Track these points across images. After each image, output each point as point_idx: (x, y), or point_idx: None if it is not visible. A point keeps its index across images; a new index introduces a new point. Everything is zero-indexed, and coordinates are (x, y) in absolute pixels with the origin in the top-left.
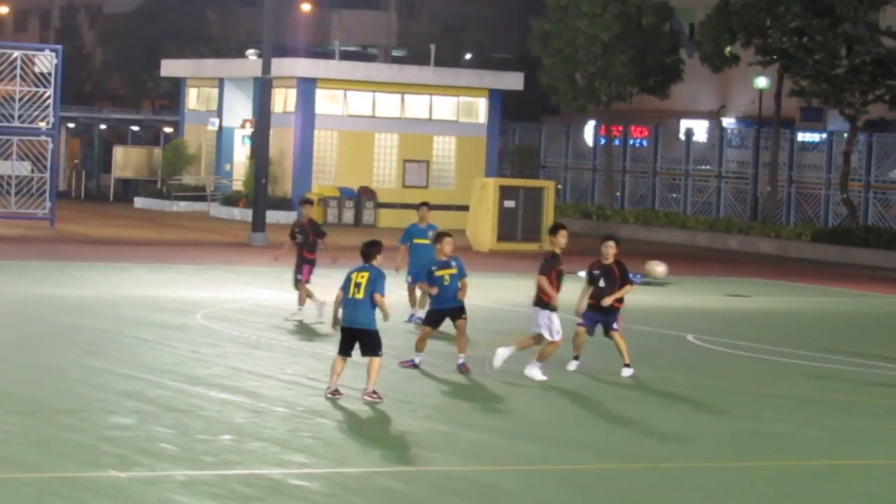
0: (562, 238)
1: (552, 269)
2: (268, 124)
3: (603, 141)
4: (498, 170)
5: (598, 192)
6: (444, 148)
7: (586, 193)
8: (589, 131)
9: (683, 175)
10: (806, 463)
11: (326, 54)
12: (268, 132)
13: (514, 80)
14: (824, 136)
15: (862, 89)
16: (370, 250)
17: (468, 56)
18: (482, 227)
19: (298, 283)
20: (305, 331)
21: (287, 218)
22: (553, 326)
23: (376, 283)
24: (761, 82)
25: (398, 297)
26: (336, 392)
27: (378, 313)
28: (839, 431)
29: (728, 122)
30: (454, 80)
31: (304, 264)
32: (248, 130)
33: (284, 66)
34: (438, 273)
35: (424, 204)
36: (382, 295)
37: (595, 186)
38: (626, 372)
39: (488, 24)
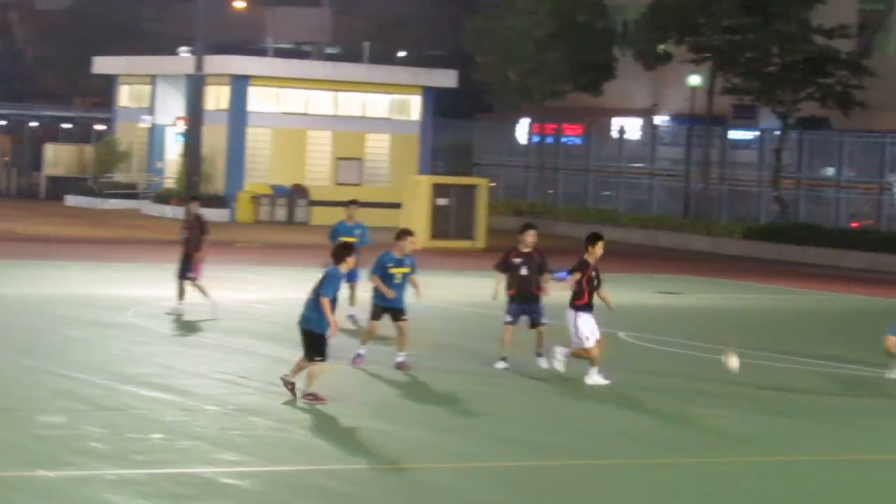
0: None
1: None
2: (200, 122)
3: (536, 138)
4: (431, 167)
5: (531, 189)
6: (377, 145)
7: (520, 191)
8: (522, 129)
9: (616, 172)
10: (732, 460)
11: (260, 52)
12: (200, 129)
13: (447, 78)
14: (756, 133)
15: (794, 87)
16: (338, 252)
17: (402, 53)
18: (415, 225)
19: (184, 279)
20: (237, 330)
21: (219, 216)
22: (579, 332)
23: (321, 284)
24: (694, 80)
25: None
26: (289, 386)
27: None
28: (767, 428)
29: (661, 119)
30: (388, 78)
31: (191, 261)
32: (181, 128)
33: (217, 64)
34: (392, 270)
35: (353, 202)
36: (324, 297)
37: (528, 184)
38: (542, 363)
39: (422, 22)
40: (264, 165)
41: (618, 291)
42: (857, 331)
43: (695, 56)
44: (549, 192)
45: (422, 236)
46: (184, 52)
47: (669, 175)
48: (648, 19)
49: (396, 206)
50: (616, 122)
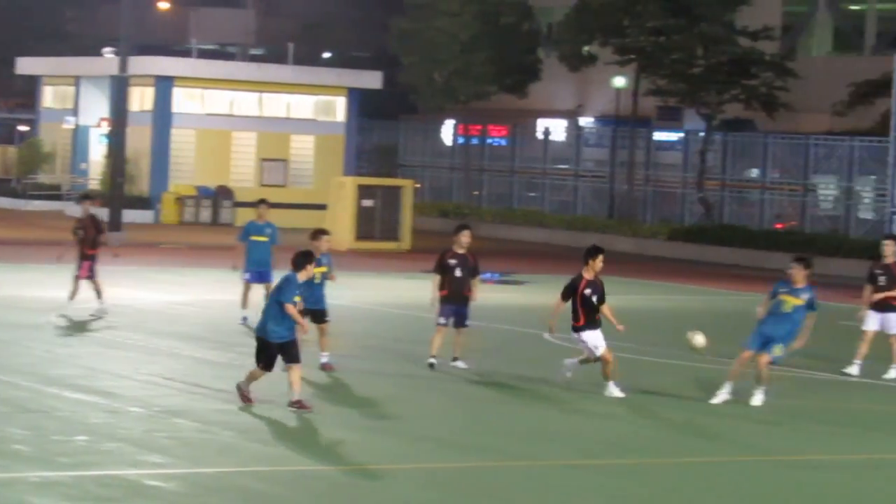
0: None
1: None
2: (125, 123)
3: (462, 140)
4: (356, 169)
5: (456, 190)
6: (302, 147)
7: (445, 192)
8: (448, 130)
9: (542, 174)
10: (653, 461)
11: (184, 53)
12: (124, 131)
13: (372, 79)
14: (681, 135)
15: (718, 89)
16: (298, 259)
17: (327, 55)
18: (340, 226)
19: (78, 279)
20: (162, 331)
21: (144, 217)
22: (587, 345)
23: (278, 291)
24: (619, 82)
25: (235, 297)
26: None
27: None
28: (683, 429)
29: (586, 121)
30: (313, 79)
31: (85, 260)
32: (105, 129)
33: (142, 65)
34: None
35: (262, 201)
36: (286, 304)
37: (454, 185)
38: (459, 364)
39: (347, 23)
40: (189, 166)
41: (543, 293)
42: None
43: (619, 58)
44: (475, 193)
45: (347, 238)
46: (108, 53)
47: (594, 176)
48: (573, 21)
49: (322, 207)
50: (541, 124)
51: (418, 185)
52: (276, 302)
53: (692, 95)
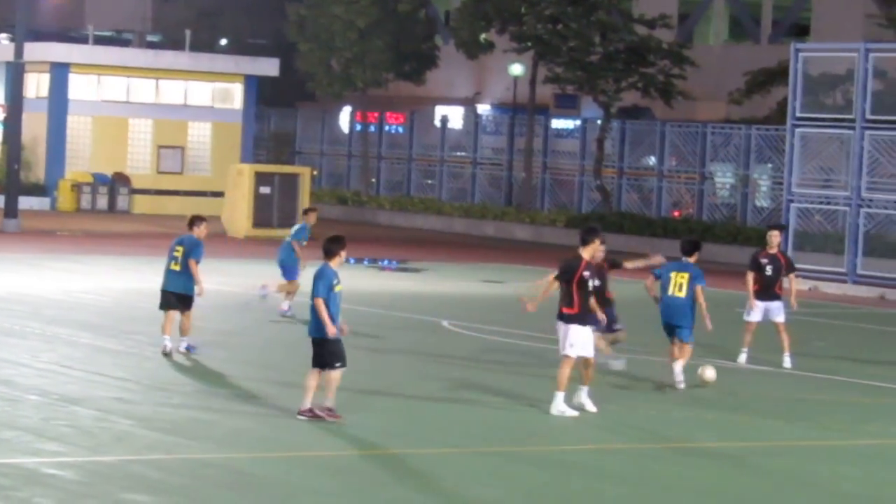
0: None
1: None
2: (20, 109)
3: (359, 127)
4: (254, 156)
5: (354, 178)
6: (199, 134)
7: (342, 180)
8: (345, 117)
9: (439, 161)
10: (559, 448)
11: (81, 39)
12: (20, 117)
13: (270, 66)
14: (578, 122)
15: (615, 77)
16: (329, 247)
17: (224, 42)
18: (238, 214)
19: None
20: (60, 319)
21: (40, 204)
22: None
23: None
24: (516, 69)
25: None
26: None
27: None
28: (597, 416)
29: (483, 108)
30: (210, 66)
31: None
32: (1, 116)
33: (37, 51)
34: (176, 252)
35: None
36: (317, 297)
37: (351, 173)
38: None
39: (244, 10)
40: (85, 153)
41: (442, 280)
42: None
43: (517, 45)
44: (372, 180)
45: (244, 225)
46: (3, 39)
47: (492, 164)
48: (470, 8)
49: (219, 194)
50: (438, 111)
51: (315, 173)
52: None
53: (589, 83)
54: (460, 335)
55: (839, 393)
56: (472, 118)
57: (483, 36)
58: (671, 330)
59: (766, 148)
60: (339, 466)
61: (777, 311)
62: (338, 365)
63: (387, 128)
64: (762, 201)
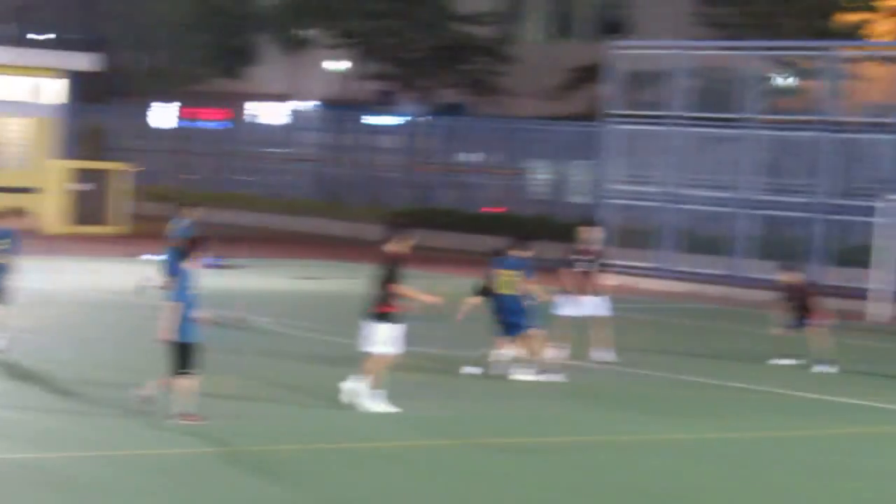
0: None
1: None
2: None
3: (178, 123)
4: (70, 152)
5: (171, 174)
6: (14, 129)
7: (160, 176)
8: (163, 113)
9: (258, 157)
10: (372, 445)
11: None
12: None
13: (87, 62)
14: (397, 119)
15: (434, 74)
16: (186, 249)
17: (40, 36)
18: (52, 210)
19: None
20: None
21: None
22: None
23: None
24: (335, 66)
25: None
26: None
27: None
28: (419, 411)
29: (302, 104)
30: (25, 61)
31: None
32: None
33: None
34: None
35: None
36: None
37: (168, 169)
38: None
39: (62, 4)
40: None
41: (258, 277)
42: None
43: (336, 42)
44: (189, 176)
45: (59, 221)
46: None
47: (310, 160)
48: (289, 4)
49: (34, 191)
50: (256, 107)
51: (132, 169)
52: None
53: (407, 80)
54: (274, 332)
55: (658, 387)
56: (291, 114)
57: (302, 32)
58: (509, 326)
59: (582, 144)
60: (171, 466)
61: (595, 307)
62: (194, 371)
63: (205, 123)
64: (577, 197)
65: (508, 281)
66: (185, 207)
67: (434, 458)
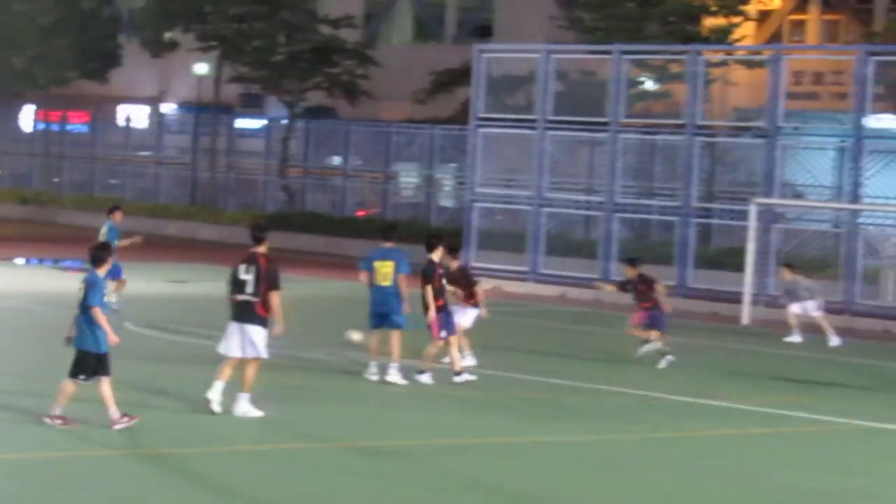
0: None
1: None
2: None
3: (42, 126)
4: None
5: (36, 177)
6: None
7: (24, 179)
8: (27, 116)
9: (123, 161)
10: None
11: None
12: None
13: None
14: (264, 122)
15: (300, 76)
16: (98, 255)
17: None
18: None
19: None
20: None
21: None
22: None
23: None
24: (201, 68)
25: None
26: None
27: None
28: (289, 414)
29: (168, 108)
30: None
31: None
32: None
33: None
34: None
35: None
36: (95, 307)
37: (34, 172)
38: None
39: None
40: None
41: (126, 281)
42: (351, 316)
43: (202, 44)
44: (55, 180)
45: None
46: None
47: (177, 163)
48: (155, 7)
49: None
50: (123, 110)
51: None
52: (84, 308)
53: (274, 83)
54: (144, 336)
55: (527, 391)
56: (157, 117)
57: (168, 35)
58: (382, 318)
59: (449, 148)
60: (27, 468)
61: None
62: (103, 375)
63: (70, 127)
64: (446, 201)
65: (386, 273)
66: (113, 212)
67: (294, 459)
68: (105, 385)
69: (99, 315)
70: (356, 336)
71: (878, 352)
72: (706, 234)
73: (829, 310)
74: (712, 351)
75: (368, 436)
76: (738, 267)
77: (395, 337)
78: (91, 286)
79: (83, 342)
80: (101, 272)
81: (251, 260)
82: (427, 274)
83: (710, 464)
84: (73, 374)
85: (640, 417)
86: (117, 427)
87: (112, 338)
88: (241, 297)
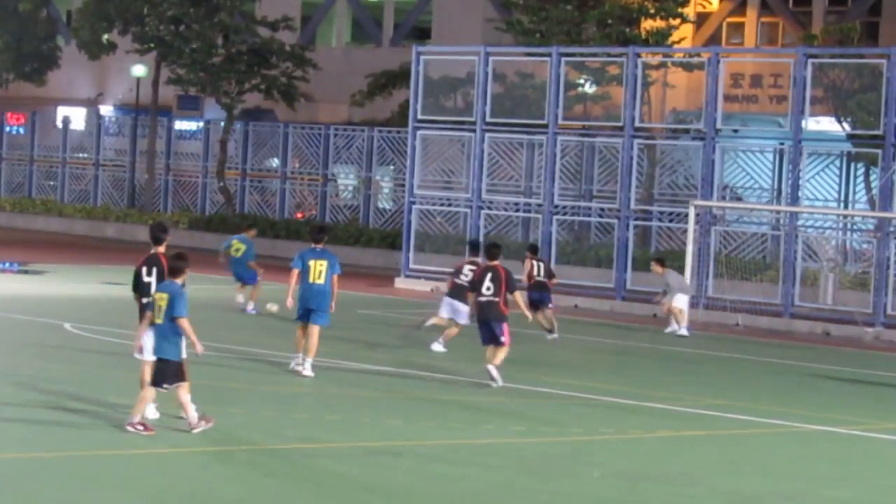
0: None
1: None
2: None
3: None
4: None
5: None
6: None
7: None
8: None
9: (61, 163)
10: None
11: None
12: None
13: None
14: (201, 124)
15: (238, 78)
16: (179, 265)
17: None
18: None
19: None
20: None
21: None
22: None
23: (173, 306)
24: (139, 70)
25: None
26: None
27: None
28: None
29: (106, 109)
30: None
31: None
32: None
33: None
34: None
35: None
36: (182, 318)
37: None
38: None
39: None
40: None
41: (63, 283)
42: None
43: (139, 46)
44: None
45: None
46: None
47: (115, 165)
48: (92, 8)
49: None
50: (60, 112)
51: None
52: (170, 319)
53: (212, 85)
54: (83, 337)
55: (463, 393)
56: (95, 119)
57: (105, 36)
58: (308, 314)
59: (388, 150)
60: None
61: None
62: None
63: (7, 128)
64: (385, 203)
65: (320, 271)
66: (250, 229)
67: (194, 463)
68: (183, 391)
69: (186, 325)
70: (273, 307)
71: (815, 354)
72: (645, 237)
73: (770, 312)
74: (649, 353)
75: (299, 439)
76: (678, 270)
77: (316, 332)
78: (176, 297)
79: (164, 351)
80: (179, 282)
81: (154, 262)
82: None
83: (646, 466)
84: (155, 382)
85: (576, 420)
86: (196, 430)
87: (198, 347)
88: (147, 300)
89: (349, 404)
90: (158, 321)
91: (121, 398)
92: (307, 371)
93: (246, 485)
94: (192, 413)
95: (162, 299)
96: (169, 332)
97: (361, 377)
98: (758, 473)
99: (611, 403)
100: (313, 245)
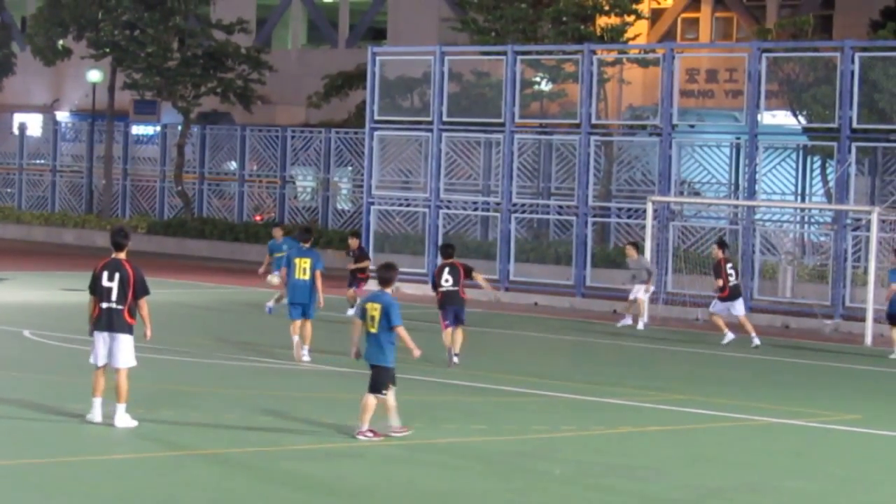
0: None
1: None
2: None
3: None
4: None
5: None
6: None
7: None
8: None
9: (18, 170)
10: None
11: None
12: None
13: None
14: (158, 128)
15: (194, 82)
16: (388, 275)
17: None
18: None
19: None
20: None
21: None
22: None
23: (388, 315)
24: (94, 76)
25: None
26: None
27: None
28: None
29: (62, 115)
30: None
31: None
32: None
33: None
34: None
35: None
36: (399, 326)
37: None
38: None
39: None
40: None
41: (21, 289)
42: (253, 322)
43: (94, 52)
44: None
45: None
46: None
47: (72, 171)
48: (46, 14)
49: None
50: (16, 118)
51: None
52: (384, 328)
53: (168, 89)
54: (43, 344)
55: (424, 392)
56: (51, 125)
57: (60, 42)
58: (301, 308)
59: (345, 151)
60: None
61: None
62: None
63: None
64: (343, 204)
65: (305, 268)
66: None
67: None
68: (390, 395)
69: (403, 333)
70: (275, 280)
71: (775, 348)
72: (604, 233)
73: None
74: (610, 349)
75: (262, 442)
76: None
77: (309, 326)
78: (389, 307)
79: (378, 358)
80: (389, 290)
81: (115, 267)
82: None
83: (610, 462)
84: (373, 389)
85: (537, 418)
86: (398, 435)
87: (416, 352)
88: (106, 305)
89: (310, 405)
90: (373, 330)
91: (80, 404)
92: (306, 357)
93: (207, 489)
94: (396, 418)
95: (374, 309)
96: (384, 340)
97: (323, 379)
98: (720, 466)
99: (572, 401)
100: (300, 244)
